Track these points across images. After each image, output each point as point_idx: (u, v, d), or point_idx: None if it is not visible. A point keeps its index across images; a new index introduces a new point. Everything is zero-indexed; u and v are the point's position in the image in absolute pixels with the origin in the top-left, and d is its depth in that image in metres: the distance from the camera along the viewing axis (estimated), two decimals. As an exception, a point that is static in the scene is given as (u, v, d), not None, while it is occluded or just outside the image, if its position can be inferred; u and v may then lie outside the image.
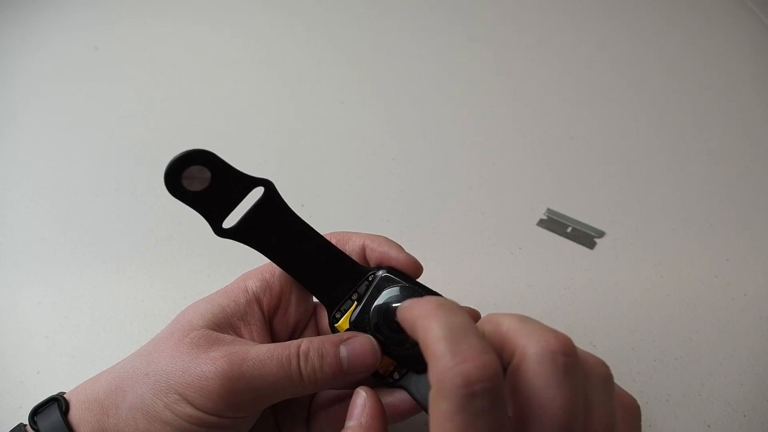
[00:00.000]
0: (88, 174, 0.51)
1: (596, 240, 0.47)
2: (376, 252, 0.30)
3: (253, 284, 0.29)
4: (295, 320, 0.31)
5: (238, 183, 0.27)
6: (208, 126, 0.56)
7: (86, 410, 0.26)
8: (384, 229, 0.40)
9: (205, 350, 0.26)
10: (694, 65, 0.64)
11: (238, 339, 0.27)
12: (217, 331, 0.27)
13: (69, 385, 0.29)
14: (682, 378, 0.39)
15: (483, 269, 0.45)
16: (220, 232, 0.27)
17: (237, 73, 0.62)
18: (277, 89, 0.61)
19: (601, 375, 0.22)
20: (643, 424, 0.24)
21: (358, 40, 0.67)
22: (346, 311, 0.29)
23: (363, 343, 0.27)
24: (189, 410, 0.25)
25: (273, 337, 0.30)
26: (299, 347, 0.26)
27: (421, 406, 0.28)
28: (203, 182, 0.25)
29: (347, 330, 0.29)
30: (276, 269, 0.30)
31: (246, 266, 0.31)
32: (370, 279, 0.29)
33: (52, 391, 0.28)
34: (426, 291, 0.29)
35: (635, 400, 0.24)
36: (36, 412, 0.27)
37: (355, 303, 0.29)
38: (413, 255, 0.30)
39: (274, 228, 0.28)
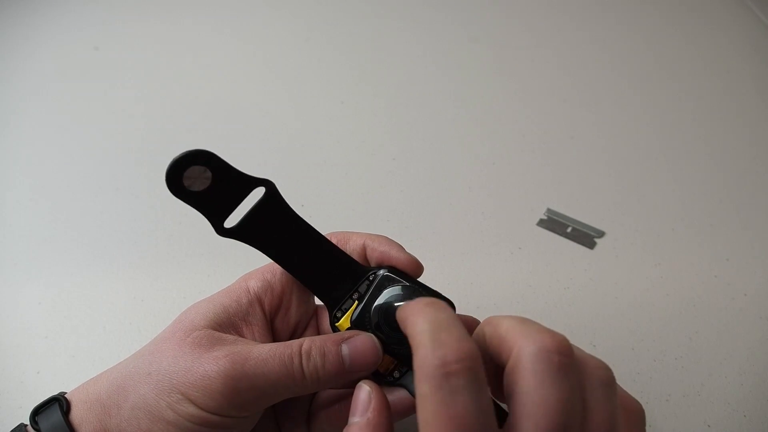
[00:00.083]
0: (88, 174, 0.51)
1: (596, 240, 0.47)
2: (376, 251, 0.30)
3: (254, 284, 0.30)
4: (296, 320, 0.31)
5: (239, 183, 0.27)
6: (208, 126, 0.56)
7: (88, 410, 0.26)
8: (384, 229, 0.40)
9: (208, 350, 0.26)
10: (694, 65, 0.64)
11: (240, 339, 0.28)
12: (219, 331, 0.27)
13: (69, 385, 0.29)
14: (682, 378, 0.39)
15: (483, 269, 0.45)
16: (222, 231, 0.27)
17: (237, 72, 0.62)
18: (277, 89, 0.61)
19: (602, 377, 0.22)
20: (643, 424, 0.25)
21: (358, 40, 0.67)
22: (347, 310, 0.29)
23: (364, 342, 0.27)
24: (192, 410, 0.25)
25: (274, 337, 0.30)
26: (301, 346, 0.26)
27: None
28: (204, 182, 0.25)
29: (348, 329, 0.29)
30: (277, 270, 0.30)
31: (246, 266, 0.31)
32: (370, 278, 0.29)
33: (53, 391, 0.28)
34: (427, 290, 0.29)
35: (639, 404, 0.24)
36: (37, 412, 0.27)
37: (356, 302, 0.29)
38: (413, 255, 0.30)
39: (276, 227, 0.28)
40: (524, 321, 0.22)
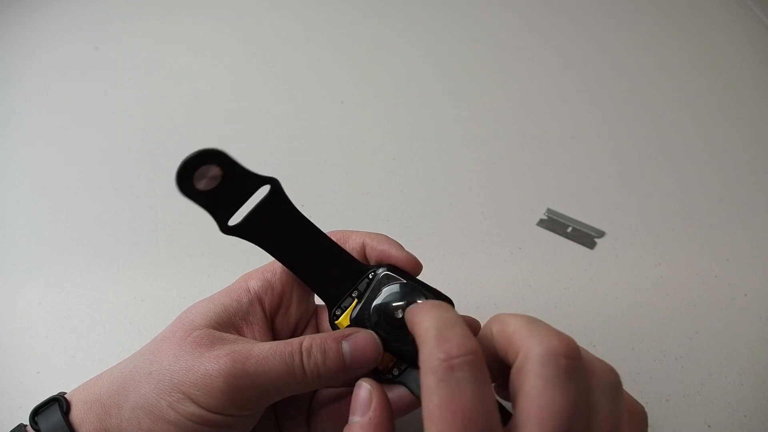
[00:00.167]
0: (88, 174, 0.51)
1: (596, 240, 0.47)
2: (376, 250, 0.30)
3: (255, 284, 0.30)
4: (296, 319, 0.31)
5: (246, 181, 0.27)
6: (208, 126, 0.56)
7: (88, 410, 0.26)
8: (384, 229, 0.40)
9: (208, 349, 0.26)
10: (694, 65, 0.64)
11: (241, 338, 0.28)
12: (219, 331, 0.27)
13: (69, 385, 0.29)
14: (682, 378, 0.39)
15: (483, 269, 0.45)
16: (226, 229, 0.27)
17: (237, 73, 0.62)
18: (277, 89, 0.61)
19: (608, 381, 0.22)
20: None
21: (358, 40, 0.67)
22: (346, 308, 0.29)
23: (365, 339, 0.27)
24: (193, 409, 0.25)
25: (274, 336, 0.30)
26: (302, 344, 0.26)
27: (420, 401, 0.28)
28: (213, 181, 0.25)
29: (348, 327, 0.29)
30: (277, 269, 0.30)
31: (246, 266, 0.31)
32: (370, 277, 0.29)
33: (52, 391, 0.28)
34: (426, 288, 0.29)
35: (642, 407, 0.24)
36: (36, 413, 0.27)
37: (356, 300, 0.29)
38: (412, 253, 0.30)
39: (278, 225, 0.28)
40: (532, 321, 0.22)
